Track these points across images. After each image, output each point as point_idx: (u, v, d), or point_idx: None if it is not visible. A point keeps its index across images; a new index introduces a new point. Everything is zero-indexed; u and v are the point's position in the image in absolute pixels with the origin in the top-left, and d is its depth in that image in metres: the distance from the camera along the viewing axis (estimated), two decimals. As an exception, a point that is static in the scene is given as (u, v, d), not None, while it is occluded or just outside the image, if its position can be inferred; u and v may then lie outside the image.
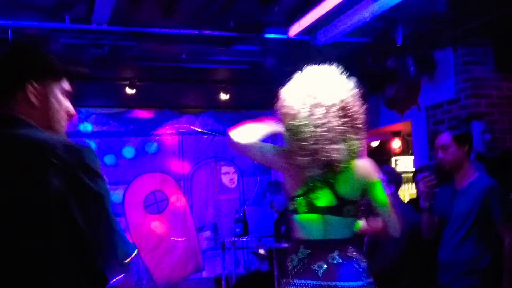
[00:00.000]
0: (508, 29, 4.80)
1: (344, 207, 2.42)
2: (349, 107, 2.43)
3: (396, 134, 7.40)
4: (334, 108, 2.39)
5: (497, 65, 5.14)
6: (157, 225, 7.10)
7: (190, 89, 6.96)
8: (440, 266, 3.35)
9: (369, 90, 6.33)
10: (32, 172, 1.44)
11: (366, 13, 4.40)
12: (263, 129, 2.64)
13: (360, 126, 2.50)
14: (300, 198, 2.46)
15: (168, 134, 7.19)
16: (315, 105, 2.38)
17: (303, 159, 2.37)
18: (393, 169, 4.68)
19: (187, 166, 7.28)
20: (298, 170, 2.44)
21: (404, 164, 7.68)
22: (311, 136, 2.33)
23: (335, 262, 2.37)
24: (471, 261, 3.20)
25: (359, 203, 2.49)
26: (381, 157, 7.38)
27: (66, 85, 1.71)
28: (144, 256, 6.96)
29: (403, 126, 6.73)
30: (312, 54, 5.37)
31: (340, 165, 2.39)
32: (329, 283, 2.33)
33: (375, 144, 7.83)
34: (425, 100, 5.73)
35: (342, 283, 2.33)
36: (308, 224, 2.45)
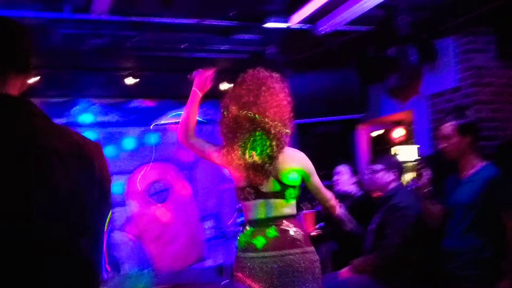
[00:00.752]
0: (510, 17, 4.76)
1: (286, 191, 2.79)
2: (278, 103, 2.77)
3: (398, 123, 7.38)
4: (265, 104, 2.73)
5: (499, 53, 5.11)
6: (160, 215, 7.12)
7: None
8: (445, 255, 3.35)
9: (370, 80, 6.34)
10: None
11: (367, 1, 4.38)
12: (187, 112, 3.13)
13: (287, 119, 2.82)
14: (248, 187, 2.81)
15: (170, 123, 7.18)
16: (251, 102, 2.75)
17: (237, 153, 2.76)
18: (392, 157, 4.67)
19: (189, 155, 7.27)
20: (238, 164, 2.77)
21: (406, 153, 7.66)
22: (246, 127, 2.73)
23: (272, 235, 2.73)
24: (475, 250, 3.21)
25: (299, 187, 2.86)
26: (382, 146, 7.37)
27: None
28: (147, 246, 7.00)
29: (405, 115, 6.70)
30: (313, 43, 5.36)
31: (275, 154, 2.73)
32: (265, 253, 2.69)
33: (376, 133, 7.81)
34: (427, 89, 5.71)
35: (276, 252, 2.68)
36: (255, 207, 2.81)
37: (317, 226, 4.64)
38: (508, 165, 3.54)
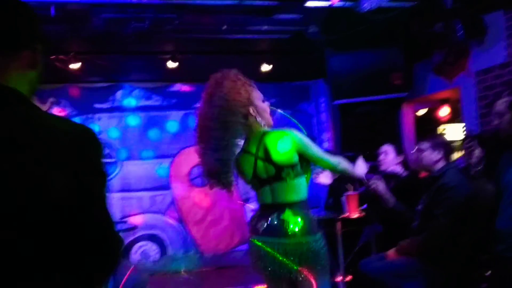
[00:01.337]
0: None
1: (282, 172, 2.82)
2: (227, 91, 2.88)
3: (444, 101, 7.24)
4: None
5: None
6: (202, 198, 7.18)
7: (232, 61, 6.91)
8: (497, 235, 3.27)
9: (416, 57, 6.22)
10: None
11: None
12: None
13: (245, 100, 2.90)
14: (253, 181, 2.97)
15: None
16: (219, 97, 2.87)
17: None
18: (439, 136, 4.59)
19: (231, 138, 7.31)
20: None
21: (454, 132, 7.53)
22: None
23: (271, 222, 2.83)
24: None
25: (296, 165, 2.85)
26: (428, 126, 7.25)
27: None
28: (191, 228, 7.08)
29: (451, 93, 6.58)
30: (356, 21, 5.28)
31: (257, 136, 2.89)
32: (264, 238, 2.82)
33: (422, 112, 7.68)
34: (475, 65, 5.58)
35: (272, 239, 2.80)
36: (262, 194, 2.94)
37: (360, 208, 4.59)
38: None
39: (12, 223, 1.26)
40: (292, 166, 2.84)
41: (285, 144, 2.82)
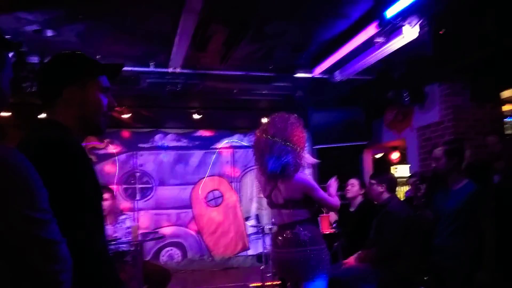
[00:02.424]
0: (480, 69, 4.67)
1: (289, 204, 2.74)
2: (298, 134, 2.70)
3: (395, 148, 7.27)
4: (290, 134, 2.68)
5: (472, 96, 5.01)
6: (215, 215, 7.14)
7: (240, 115, 7.01)
8: (434, 249, 3.23)
9: (374, 115, 6.28)
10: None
11: (371, 57, 4.37)
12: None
13: (303, 147, 2.74)
14: (267, 198, 2.85)
15: (224, 148, 7.26)
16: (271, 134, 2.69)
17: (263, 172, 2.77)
18: (386, 174, 4.42)
19: (237, 171, 7.31)
20: (262, 180, 2.84)
21: (402, 171, 7.54)
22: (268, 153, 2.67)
23: (287, 236, 2.72)
24: (460, 246, 3.08)
25: (302, 201, 2.74)
26: (383, 165, 7.25)
27: (103, 81, 1.39)
28: (205, 238, 7.01)
29: (400, 142, 6.60)
30: (330, 88, 5.36)
31: (286, 176, 2.69)
32: (282, 249, 2.72)
33: (378, 155, 7.69)
34: (417, 123, 5.61)
35: (288, 249, 2.70)
36: (276, 213, 2.83)
37: (331, 226, 4.53)
38: (481, 182, 3.43)
39: None
40: (297, 202, 2.78)
41: (296, 187, 2.78)
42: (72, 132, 1.28)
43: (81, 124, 1.32)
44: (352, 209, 4.44)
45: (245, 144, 7.15)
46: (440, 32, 3.52)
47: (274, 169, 2.68)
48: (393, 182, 3.99)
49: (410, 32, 3.68)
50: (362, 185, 4.45)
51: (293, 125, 2.74)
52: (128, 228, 4.22)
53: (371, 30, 3.84)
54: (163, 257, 6.75)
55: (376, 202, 3.99)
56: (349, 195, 4.51)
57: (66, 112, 1.29)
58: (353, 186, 4.48)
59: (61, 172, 1.13)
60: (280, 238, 2.73)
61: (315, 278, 2.70)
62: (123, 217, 4.38)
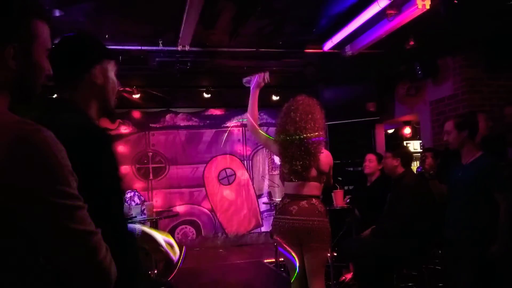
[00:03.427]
0: (495, 40, 4.56)
1: (321, 177, 2.86)
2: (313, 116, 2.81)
3: (407, 123, 7.20)
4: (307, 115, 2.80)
5: (487, 67, 4.91)
6: (228, 193, 7.19)
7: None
8: (446, 223, 3.21)
9: (385, 90, 6.20)
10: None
11: (382, 31, 4.29)
12: (253, 108, 3.05)
13: (322, 126, 2.84)
14: (292, 175, 2.84)
15: (235, 126, 7.25)
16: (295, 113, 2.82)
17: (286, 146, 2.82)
18: (401, 148, 4.39)
19: (248, 150, 7.33)
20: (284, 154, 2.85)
21: (413, 146, 7.49)
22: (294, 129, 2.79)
23: (303, 206, 2.78)
24: (472, 219, 3.05)
25: (322, 175, 2.87)
26: (396, 141, 7.21)
27: (115, 64, 1.42)
28: (219, 216, 7.09)
29: (412, 117, 6.55)
30: (341, 63, 5.29)
31: (314, 150, 2.78)
32: (296, 217, 2.76)
33: (390, 131, 7.64)
34: (430, 97, 5.55)
35: (304, 217, 2.75)
36: (296, 186, 2.86)
37: (345, 201, 4.55)
38: (497, 155, 3.37)
39: None
40: (326, 174, 2.91)
41: (328, 161, 2.91)
42: (88, 114, 1.30)
43: (100, 106, 1.34)
44: (368, 184, 4.45)
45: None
46: (454, 1, 3.41)
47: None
48: (408, 156, 4.00)
49: (423, 2, 3.58)
50: (379, 160, 4.40)
51: (315, 113, 2.83)
52: (140, 205, 4.27)
53: (382, 1, 3.75)
54: (178, 235, 6.85)
55: (391, 176, 3.99)
56: (367, 170, 4.47)
57: (86, 94, 1.30)
58: (371, 162, 4.43)
59: (95, 157, 1.11)
60: (295, 207, 2.78)
61: (328, 247, 2.92)
62: (131, 194, 4.43)
